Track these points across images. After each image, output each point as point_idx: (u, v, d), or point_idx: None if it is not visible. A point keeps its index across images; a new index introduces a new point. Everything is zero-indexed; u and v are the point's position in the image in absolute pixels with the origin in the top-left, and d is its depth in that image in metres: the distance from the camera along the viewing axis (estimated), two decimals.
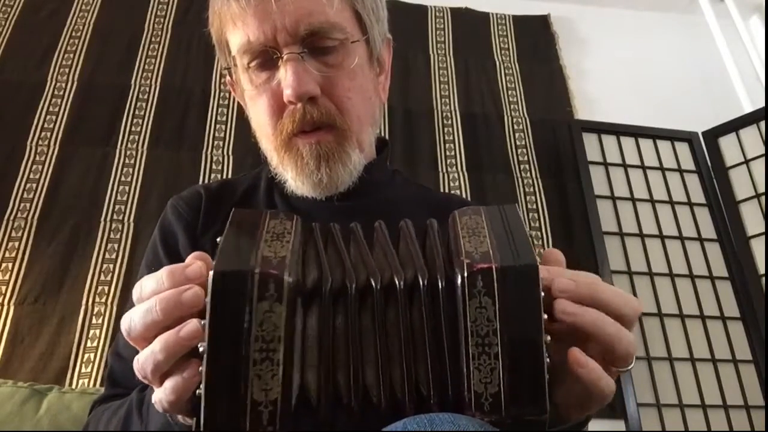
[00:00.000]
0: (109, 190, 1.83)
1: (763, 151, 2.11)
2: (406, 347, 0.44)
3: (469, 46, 2.38)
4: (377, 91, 0.77)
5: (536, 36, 2.47)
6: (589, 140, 2.18)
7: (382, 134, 2.01)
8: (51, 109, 1.95)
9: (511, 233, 0.45)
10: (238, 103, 0.79)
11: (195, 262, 0.43)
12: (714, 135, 2.23)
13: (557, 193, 2.10)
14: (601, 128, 2.22)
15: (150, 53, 2.13)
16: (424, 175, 2.03)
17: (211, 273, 0.40)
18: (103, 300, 1.66)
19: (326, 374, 0.43)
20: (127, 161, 1.90)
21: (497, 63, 2.36)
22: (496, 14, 2.48)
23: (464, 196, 2.00)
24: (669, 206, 2.12)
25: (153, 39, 2.16)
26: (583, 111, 2.30)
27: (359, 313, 0.44)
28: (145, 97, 2.03)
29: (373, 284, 0.45)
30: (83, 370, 1.56)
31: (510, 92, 2.29)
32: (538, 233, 2.01)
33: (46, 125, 1.91)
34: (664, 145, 2.24)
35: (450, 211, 0.50)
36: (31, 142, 1.88)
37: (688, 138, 2.26)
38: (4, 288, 1.64)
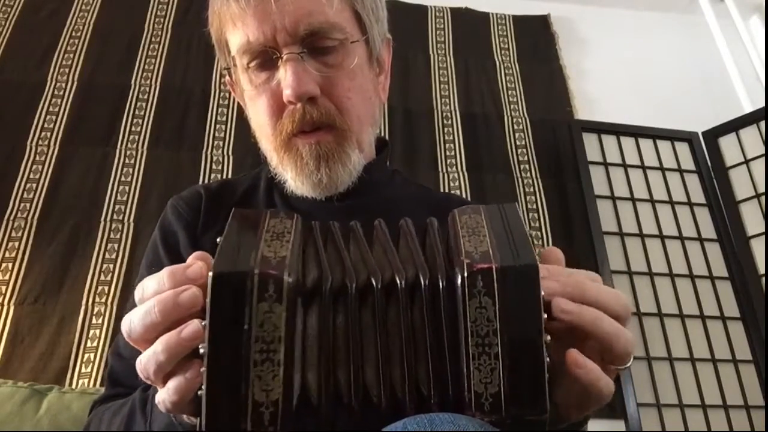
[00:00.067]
0: (109, 190, 1.83)
1: (763, 151, 2.11)
2: (407, 347, 0.44)
3: (469, 46, 2.38)
4: (377, 91, 0.77)
5: (536, 36, 2.47)
6: (589, 140, 2.18)
7: (382, 134, 2.01)
8: (51, 109, 1.95)
9: (511, 232, 0.45)
10: (238, 103, 0.79)
11: (196, 262, 0.43)
12: (714, 135, 2.23)
13: (557, 193, 2.10)
14: (601, 128, 2.22)
15: (150, 53, 2.13)
16: (424, 175, 2.03)
17: (210, 274, 0.40)
18: (103, 300, 1.66)
19: (327, 374, 0.43)
20: (127, 161, 1.90)
21: (497, 63, 2.36)
22: (496, 14, 2.48)
23: (464, 196, 2.00)
24: (669, 206, 2.12)
25: (153, 39, 2.16)
26: (583, 111, 2.30)
27: (359, 313, 0.44)
28: (145, 97, 2.03)
29: (374, 283, 0.44)
30: (83, 370, 1.57)
31: (510, 92, 2.30)
32: (538, 233, 2.01)
33: (46, 125, 1.91)
34: (664, 145, 2.24)
35: (450, 211, 0.50)
36: (31, 142, 1.88)
37: (688, 138, 2.26)
38: (4, 288, 1.64)
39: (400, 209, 0.72)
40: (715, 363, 1.87)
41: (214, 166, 1.93)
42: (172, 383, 0.41)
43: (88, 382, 1.55)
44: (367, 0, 0.72)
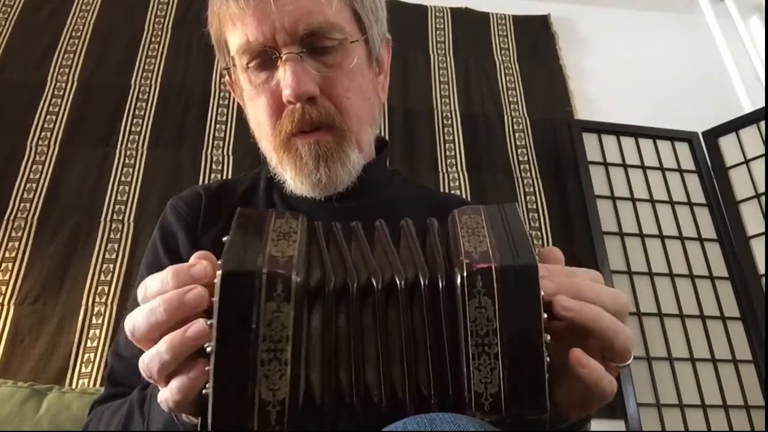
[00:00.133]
0: (109, 190, 1.83)
1: (763, 151, 2.11)
2: (407, 347, 0.44)
3: (469, 46, 2.38)
4: (376, 91, 0.76)
5: (536, 36, 2.47)
6: (589, 140, 2.18)
7: (382, 134, 2.01)
8: (51, 109, 1.95)
9: (511, 233, 0.44)
10: (238, 103, 0.79)
11: (200, 261, 0.43)
12: (714, 135, 2.23)
13: (557, 193, 2.10)
14: (601, 128, 2.22)
15: (150, 53, 2.13)
16: (424, 175, 2.03)
17: (219, 273, 0.40)
18: (103, 300, 1.66)
19: (329, 374, 0.43)
20: (127, 161, 1.90)
21: (497, 63, 2.36)
22: (496, 14, 2.48)
23: (464, 196, 2.00)
24: (669, 206, 2.12)
25: (153, 39, 2.16)
26: (583, 111, 2.30)
27: (360, 313, 0.44)
28: (145, 97, 2.03)
29: (374, 283, 0.44)
30: (83, 370, 1.57)
31: (510, 92, 2.30)
32: (538, 233, 2.01)
33: (46, 125, 1.91)
34: (664, 145, 2.24)
35: (450, 211, 0.50)
36: (31, 142, 1.88)
37: (688, 138, 2.26)
38: (4, 288, 1.64)
39: (399, 209, 0.72)
40: (715, 363, 1.87)
41: (214, 166, 1.94)
42: (176, 382, 0.41)
43: (88, 382, 1.55)
44: (367, 0, 0.72)
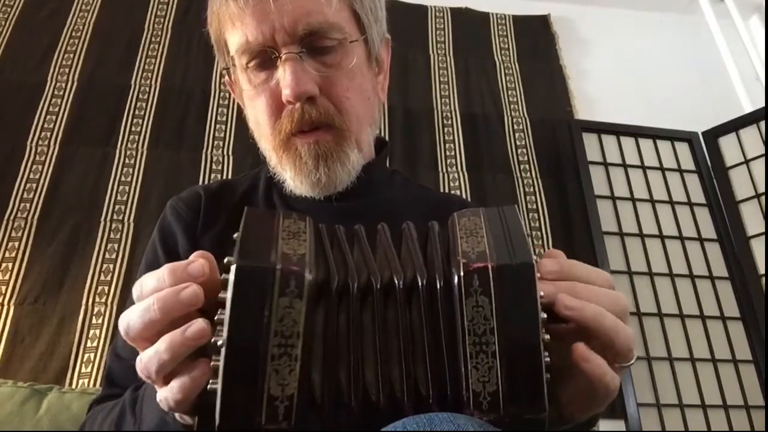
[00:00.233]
0: (109, 190, 1.83)
1: (763, 151, 2.11)
2: (405, 347, 0.44)
3: (469, 46, 2.38)
4: (376, 90, 0.76)
5: (536, 36, 2.47)
6: (589, 140, 2.18)
7: (382, 134, 2.01)
8: (51, 109, 1.95)
9: (509, 233, 0.45)
10: (238, 103, 0.79)
11: (198, 259, 0.43)
12: (714, 135, 2.23)
13: (557, 193, 2.10)
14: (601, 128, 2.22)
15: (150, 53, 2.13)
16: (424, 175, 2.03)
17: (233, 267, 0.40)
18: (103, 300, 1.66)
19: (329, 373, 0.43)
20: (127, 161, 1.90)
21: (497, 63, 2.36)
22: (496, 14, 2.48)
23: (464, 196, 2.00)
24: (669, 206, 2.12)
25: (153, 39, 2.16)
26: (583, 111, 2.30)
27: (360, 313, 0.45)
28: (145, 97, 2.03)
29: (374, 284, 0.45)
30: (83, 370, 1.57)
31: (510, 92, 2.30)
32: (538, 233, 2.01)
33: (46, 125, 1.92)
34: (664, 145, 2.24)
35: (450, 212, 0.50)
36: (31, 142, 1.88)
37: (688, 138, 2.26)
38: (4, 288, 1.64)
39: (398, 210, 0.72)
40: (715, 363, 1.87)
41: (214, 166, 1.94)
42: (177, 382, 0.41)
43: (88, 382, 1.55)
44: (366, 0, 0.72)
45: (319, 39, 0.67)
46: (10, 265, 1.67)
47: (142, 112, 2.00)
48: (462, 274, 0.42)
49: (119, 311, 1.63)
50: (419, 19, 2.41)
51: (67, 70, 2.04)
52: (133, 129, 1.96)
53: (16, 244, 1.70)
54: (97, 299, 1.66)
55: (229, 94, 2.03)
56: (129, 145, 1.93)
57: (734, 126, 2.20)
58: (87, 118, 1.95)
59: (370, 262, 0.47)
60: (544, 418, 0.40)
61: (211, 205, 0.76)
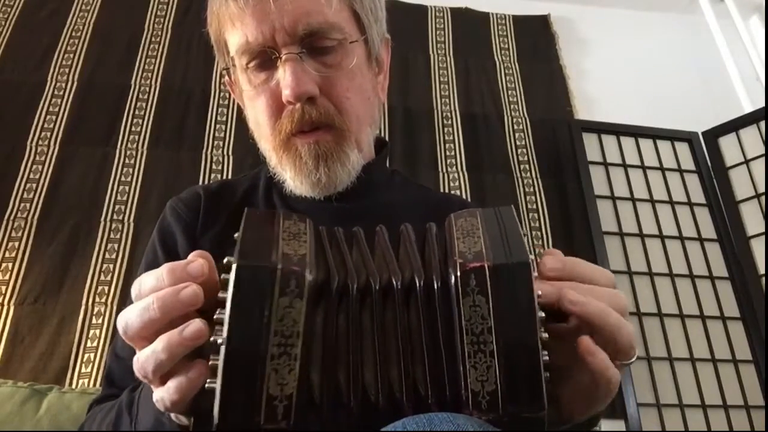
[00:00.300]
0: (109, 190, 1.83)
1: (763, 151, 2.11)
2: (404, 347, 0.44)
3: (469, 46, 2.38)
4: (376, 91, 0.76)
5: (536, 36, 2.47)
6: (589, 140, 2.18)
7: (382, 134, 2.01)
8: (51, 109, 1.95)
9: (506, 234, 0.45)
10: (238, 103, 0.79)
11: (197, 259, 0.43)
12: (714, 135, 2.23)
13: (557, 193, 2.10)
14: (601, 128, 2.22)
15: (150, 53, 2.13)
16: (424, 175, 2.03)
17: (233, 266, 0.40)
18: (103, 300, 1.66)
19: (328, 373, 0.44)
20: (127, 161, 1.90)
21: (497, 63, 2.36)
22: (496, 14, 2.48)
23: (464, 196, 2.00)
24: (669, 206, 2.12)
25: (153, 39, 2.16)
26: (583, 111, 2.30)
27: (360, 314, 0.45)
28: (145, 97, 2.03)
29: (372, 284, 0.45)
30: (83, 370, 1.57)
31: (510, 92, 2.30)
32: (538, 233, 2.01)
33: (46, 125, 1.92)
34: (664, 145, 2.24)
35: (449, 212, 0.50)
36: (31, 142, 1.88)
37: (688, 138, 2.26)
38: (4, 288, 1.64)
39: (398, 210, 0.72)
40: (715, 363, 1.87)
41: (214, 166, 1.94)
42: (174, 382, 0.41)
43: (88, 382, 1.55)
44: (366, 0, 0.72)
45: (319, 39, 0.67)
46: (10, 265, 1.67)
47: (142, 112, 2.00)
48: (459, 274, 0.42)
49: (119, 311, 1.62)
50: (419, 19, 2.41)
51: (67, 70, 2.04)
52: (133, 129, 1.96)
53: (16, 244, 1.70)
54: (97, 299, 1.66)
55: (229, 94, 2.03)
56: (129, 145, 1.93)
57: (734, 126, 2.20)
58: (87, 118, 1.95)
59: (369, 263, 0.47)
60: (543, 416, 0.40)
61: (211, 205, 0.76)
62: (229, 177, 1.88)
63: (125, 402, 0.56)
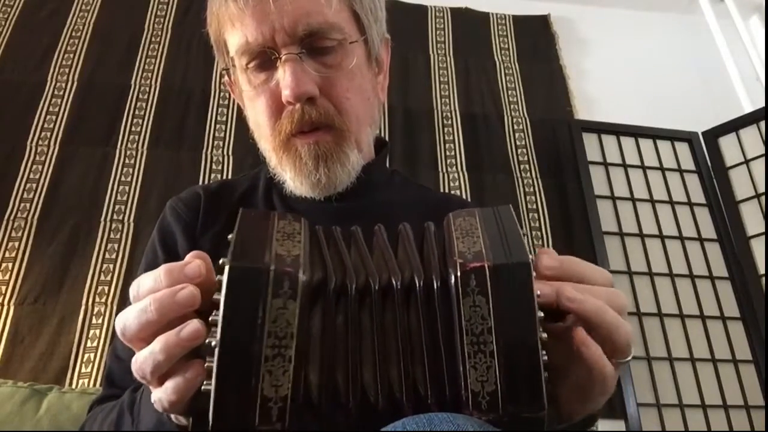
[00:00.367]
0: (109, 190, 1.83)
1: (763, 151, 2.11)
2: (404, 347, 0.44)
3: (469, 46, 2.38)
4: (376, 91, 0.76)
5: (536, 36, 2.47)
6: (589, 140, 2.18)
7: (382, 134, 2.01)
8: (51, 109, 1.95)
9: (505, 233, 0.45)
10: (238, 103, 0.79)
11: (194, 260, 0.43)
12: (714, 135, 2.23)
13: (557, 193, 2.10)
14: (601, 128, 2.22)
15: (150, 53, 2.13)
16: (424, 175, 2.03)
17: (226, 268, 0.40)
18: (103, 300, 1.66)
19: (327, 374, 0.43)
20: (127, 161, 1.90)
21: (497, 63, 2.36)
22: (496, 14, 2.48)
23: (464, 196, 2.00)
24: (669, 206, 2.12)
25: (153, 39, 2.16)
26: (583, 111, 2.30)
27: (359, 314, 0.45)
28: (145, 97, 2.03)
29: (372, 285, 0.45)
30: (83, 370, 1.57)
31: (510, 92, 2.30)
32: (538, 233, 2.01)
33: (46, 125, 1.92)
34: (664, 145, 2.24)
35: (449, 211, 0.50)
36: (31, 142, 1.88)
37: (688, 138, 2.26)
38: (4, 288, 1.64)
39: (398, 210, 0.72)
40: (715, 363, 1.87)
41: (214, 166, 1.94)
42: (171, 383, 0.41)
43: (88, 382, 1.55)
44: (366, 0, 0.72)
45: (319, 39, 0.67)
46: (10, 265, 1.67)
47: (142, 112, 2.00)
48: (459, 274, 0.42)
49: (119, 311, 1.62)
50: (419, 19, 2.41)
51: (67, 70, 2.04)
52: (133, 129, 1.96)
53: (16, 244, 1.70)
54: (97, 299, 1.66)
55: (229, 94, 2.03)
56: (129, 145, 1.93)
57: (734, 126, 2.20)
58: (87, 118, 1.95)
59: (368, 263, 0.47)
60: (543, 416, 0.40)
61: (211, 205, 0.76)
62: (229, 177, 1.88)
63: (127, 402, 0.56)
